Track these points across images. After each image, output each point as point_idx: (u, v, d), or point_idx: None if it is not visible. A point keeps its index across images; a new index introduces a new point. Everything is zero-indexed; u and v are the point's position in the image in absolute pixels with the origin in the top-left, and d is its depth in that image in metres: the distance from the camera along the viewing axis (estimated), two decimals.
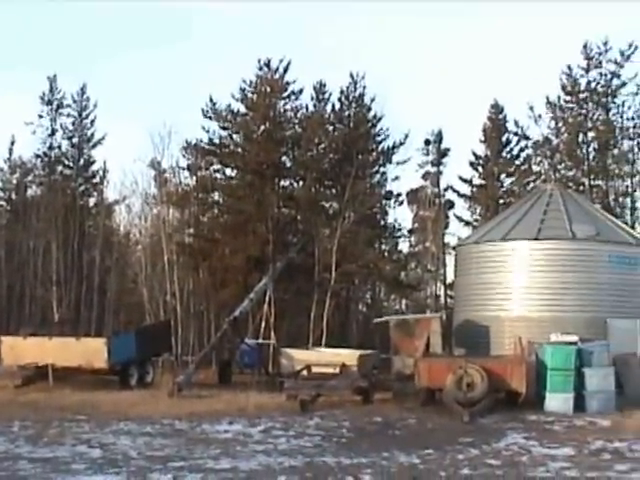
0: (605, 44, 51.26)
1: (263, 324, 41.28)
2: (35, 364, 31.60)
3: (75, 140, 54.81)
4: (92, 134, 54.97)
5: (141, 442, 19.46)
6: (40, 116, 53.82)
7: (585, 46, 51.79)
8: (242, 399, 26.95)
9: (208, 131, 47.29)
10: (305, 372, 30.26)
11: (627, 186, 52.72)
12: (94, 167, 55.83)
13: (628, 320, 32.15)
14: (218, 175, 48.68)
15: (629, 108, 51.75)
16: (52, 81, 54.42)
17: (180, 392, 29.28)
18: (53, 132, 54.26)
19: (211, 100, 47.51)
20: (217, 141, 47.61)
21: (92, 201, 57.84)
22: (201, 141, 47.31)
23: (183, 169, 49.51)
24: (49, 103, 54.31)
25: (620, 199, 52.61)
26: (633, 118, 51.86)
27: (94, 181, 56.48)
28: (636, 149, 52.34)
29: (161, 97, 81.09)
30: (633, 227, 45.78)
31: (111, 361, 31.60)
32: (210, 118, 47.55)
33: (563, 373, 26.15)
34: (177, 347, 40.71)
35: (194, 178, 49.42)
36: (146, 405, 26.33)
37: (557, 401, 25.92)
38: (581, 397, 26.14)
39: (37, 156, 54.81)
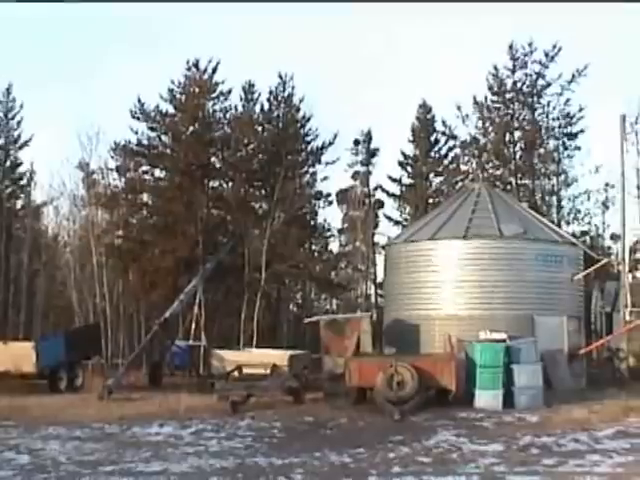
0: (530, 45, 51.93)
1: (193, 325, 41.14)
2: None
3: (1, 141, 53.85)
4: (19, 135, 54.10)
5: (70, 447, 19.25)
6: None
7: (511, 47, 52.40)
8: (173, 401, 26.80)
9: (137, 132, 47.05)
10: (236, 373, 30.22)
11: (553, 185, 53.51)
12: (21, 169, 55.00)
13: (555, 317, 32.63)
14: (147, 176, 48.40)
15: (554, 108, 52.53)
16: None
17: (110, 395, 29.07)
18: None
19: (139, 101, 47.21)
20: (146, 142, 47.34)
21: (19, 203, 57.01)
22: (129, 142, 47.00)
23: (112, 170, 49.22)
24: None
25: (546, 198, 53.38)
26: (558, 118, 52.63)
27: (21, 183, 55.56)
28: (561, 148, 53.13)
29: (89, 98, 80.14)
30: (559, 225, 46.44)
31: (40, 365, 31.26)
32: (138, 119, 47.22)
33: (492, 370, 26.43)
34: (107, 350, 40.43)
35: (123, 179, 49.09)
36: (76, 409, 26.06)
37: (486, 398, 26.19)
38: (510, 393, 26.44)
39: None
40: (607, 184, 52.32)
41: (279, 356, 32.01)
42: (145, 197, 48.75)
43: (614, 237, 54.44)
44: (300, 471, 16.36)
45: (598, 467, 16.70)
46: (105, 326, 41.07)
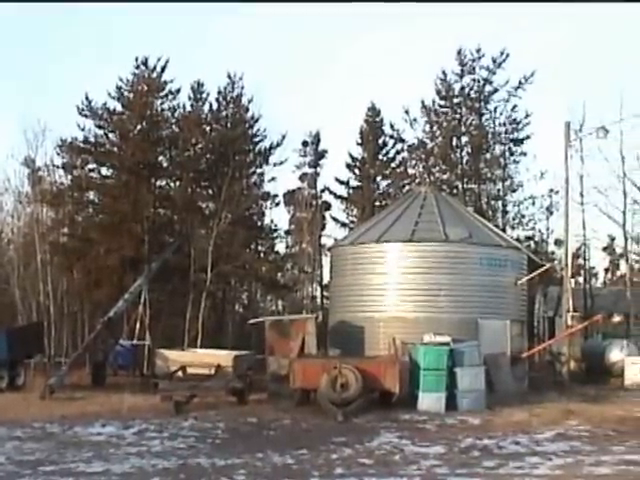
0: (478, 51, 52.51)
1: (138, 325, 40.87)
2: None
3: None
4: None
5: (10, 447, 19.06)
6: None
7: (459, 52, 52.89)
8: (116, 401, 26.67)
9: (84, 129, 46.53)
10: (180, 373, 30.07)
11: (498, 190, 54.03)
12: None
13: (498, 320, 32.96)
14: (93, 174, 47.87)
15: (501, 114, 53.18)
16: None
17: (52, 394, 28.86)
18: None
19: (87, 98, 46.67)
20: (93, 140, 46.81)
21: None
22: (76, 139, 46.47)
23: (58, 167, 48.67)
24: None
25: (492, 202, 53.88)
26: (504, 124, 53.24)
27: None
28: (507, 154, 53.68)
29: (36, 93, 79.44)
30: (504, 230, 46.88)
31: None
32: (86, 116, 46.71)
33: (435, 373, 26.63)
34: (50, 348, 39.97)
35: (69, 177, 48.54)
36: (17, 408, 25.84)
37: (430, 400, 26.39)
38: (453, 396, 26.69)
39: None
40: (551, 190, 53.01)
41: (223, 356, 31.91)
42: (91, 195, 48.25)
43: (558, 242, 55.00)
44: (242, 472, 16.37)
45: (537, 469, 16.98)
46: (48, 324, 40.61)
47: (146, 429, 22.08)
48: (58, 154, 47.98)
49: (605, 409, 26.73)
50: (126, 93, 47.26)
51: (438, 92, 53.88)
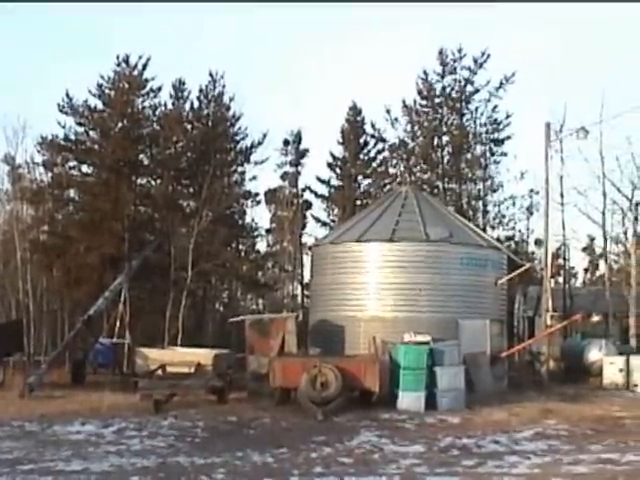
0: (460, 51, 52.72)
1: (118, 323, 40.74)
2: None
3: None
4: None
5: None
6: None
7: (441, 52, 53.05)
8: (95, 399, 26.60)
9: (64, 126, 46.41)
10: (160, 372, 30.01)
11: (479, 190, 54.23)
12: None
13: (478, 320, 33.02)
14: (74, 172, 47.69)
15: (482, 114, 53.40)
16: None
17: (32, 393, 28.73)
18: None
19: (67, 95, 46.56)
20: (73, 137, 46.71)
21: None
22: (57, 137, 46.36)
23: (38, 165, 48.44)
24: None
25: (472, 202, 54.05)
26: (485, 124, 53.47)
27: None
28: (488, 154, 53.89)
29: (16, 90, 79.11)
30: (484, 230, 47.03)
31: None
32: (66, 113, 46.60)
33: (415, 372, 26.65)
34: (29, 347, 39.79)
35: (49, 174, 48.33)
36: None
37: (409, 399, 26.40)
38: (432, 395, 26.71)
39: None
40: (532, 190, 53.32)
41: (203, 355, 31.84)
42: (72, 193, 48.15)
43: (538, 242, 55.30)
44: (222, 471, 16.36)
45: (516, 468, 17.03)
46: (28, 322, 40.43)
47: (125, 428, 22.02)
48: (38, 151, 47.85)
49: (583, 408, 26.85)
50: (107, 91, 47.17)
51: (419, 92, 54.07)
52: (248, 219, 56.23)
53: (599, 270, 73.32)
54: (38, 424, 22.33)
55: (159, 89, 47.81)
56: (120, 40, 77.78)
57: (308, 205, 61.81)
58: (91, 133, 47.44)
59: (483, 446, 19.85)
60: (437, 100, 53.77)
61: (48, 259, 44.58)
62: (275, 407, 26.31)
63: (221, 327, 49.18)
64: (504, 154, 53.77)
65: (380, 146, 57.87)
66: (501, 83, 52.44)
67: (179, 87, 51.06)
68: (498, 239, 46.62)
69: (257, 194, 56.38)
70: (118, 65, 46.91)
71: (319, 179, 60.10)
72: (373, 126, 57.13)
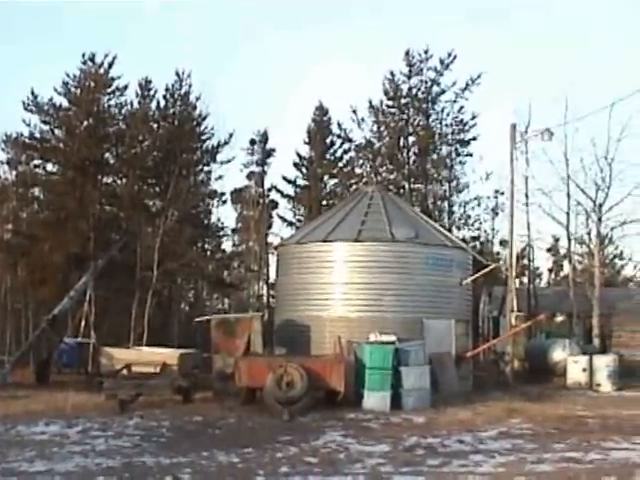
0: (426, 52, 53.00)
1: (83, 323, 40.63)
2: None
3: None
4: None
5: None
6: None
7: (407, 53, 53.28)
8: (60, 399, 26.40)
9: (29, 125, 46.22)
10: (125, 371, 29.88)
11: (445, 190, 54.50)
12: None
13: (443, 320, 33.16)
14: (39, 170, 47.55)
15: (448, 115, 53.69)
16: None
17: None
18: None
19: (32, 93, 46.33)
20: (38, 135, 46.51)
21: None
22: (22, 135, 46.17)
23: (2, 163, 48.20)
24: None
25: (438, 203, 54.33)
26: (451, 125, 53.77)
27: None
28: (454, 155, 54.17)
29: None
30: (450, 230, 47.21)
31: None
32: (31, 111, 46.40)
33: (381, 372, 26.68)
34: None
35: (14, 172, 48.09)
36: None
37: (375, 399, 26.44)
38: (398, 395, 26.75)
39: None
40: (497, 191, 53.77)
41: (169, 355, 31.80)
42: (36, 191, 47.94)
43: (503, 243, 55.64)
44: (188, 471, 16.33)
45: (481, 467, 17.11)
46: None
47: (90, 428, 21.89)
48: (3, 149, 47.71)
49: (547, 408, 27.02)
50: (73, 89, 47.04)
51: (386, 92, 54.23)
52: (214, 219, 56.32)
53: (563, 270, 73.80)
54: (1, 424, 22.11)
55: (125, 88, 47.74)
56: (86, 38, 77.42)
57: (274, 205, 61.84)
58: (56, 131, 47.26)
59: (448, 445, 19.92)
60: (403, 101, 53.96)
61: (12, 258, 44.36)
62: (241, 407, 26.28)
63: (187, 327, 49.07)
64: (470, 155, 54.17)
65: (346, 146, 58.07)
66: (467, 84, 52.78)
67: (145, 86, 50.85)
68: (464, 239, 46.82)
69: (223, 194, 56.38)
70: (84, 63, 46.82)
71: (285, 179, 60.24)
72: (339, 126, 57.38)
